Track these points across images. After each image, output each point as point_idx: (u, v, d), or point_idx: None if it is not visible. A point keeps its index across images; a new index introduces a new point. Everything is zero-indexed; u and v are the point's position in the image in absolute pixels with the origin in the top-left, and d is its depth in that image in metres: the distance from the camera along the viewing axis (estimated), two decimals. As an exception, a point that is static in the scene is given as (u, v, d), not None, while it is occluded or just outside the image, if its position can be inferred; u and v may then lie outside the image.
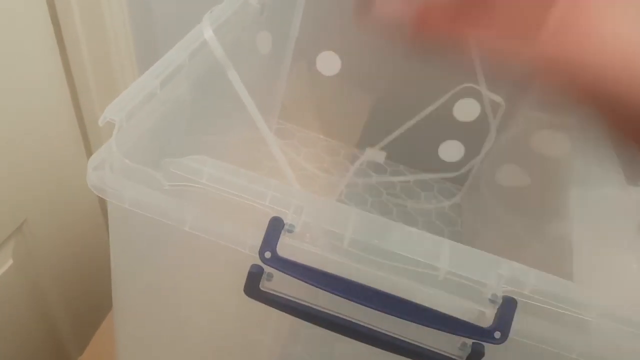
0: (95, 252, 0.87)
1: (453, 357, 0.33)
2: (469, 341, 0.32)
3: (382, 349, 0.33)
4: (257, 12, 0.59)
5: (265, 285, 0.34)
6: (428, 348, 0.33)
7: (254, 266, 0.33)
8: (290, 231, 0.31)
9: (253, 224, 0.33)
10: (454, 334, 0.30)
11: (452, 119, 0.85)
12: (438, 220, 0.86)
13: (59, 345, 0.84)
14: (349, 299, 0.30)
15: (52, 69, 0.65)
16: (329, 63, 0.86)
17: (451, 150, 0.89)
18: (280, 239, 0.31)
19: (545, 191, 0.74)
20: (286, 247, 0.31)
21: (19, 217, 0.69)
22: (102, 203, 0.84)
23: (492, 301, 0.31)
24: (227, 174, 0.31)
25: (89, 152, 0.78)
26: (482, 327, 0.31)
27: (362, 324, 0.33)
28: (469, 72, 0.80)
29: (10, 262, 0.70)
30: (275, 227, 0.31)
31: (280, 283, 0.34)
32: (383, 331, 0.33)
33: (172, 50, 0.41)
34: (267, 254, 0.31)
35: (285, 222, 0.31)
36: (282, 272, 0.31)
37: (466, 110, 0.84)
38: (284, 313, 0.39)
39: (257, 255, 0.33)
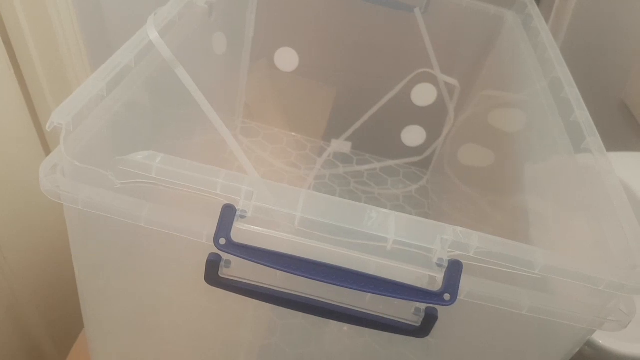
0: (69, 263, 0.87)
1: (409, 322, 0.34)
2: (423, 306, 0.34)
3: (342, 321, 0.35)
4: (206, 12, 0.60)
5: (224, 272, 0.35)
6: (385, 316, 0.34)
7: (212, 254, 0.34)
8: (243, 217, 0.32)
9: (207, 214, 0.34)
10: (405, 299, 0.32)
11: (411, 105, 0.87)
12: (405, 204, 0.88)
13: (43, 354, 0.84)
14: (303, 276, 0.32)
15: (2, 79, 0.65)
16: (287, 59, 0.87)
17: (413, 135, 0.91)
18: (234, 225, 0.32)
19: (505, 166, 0.76)
20: (241, 233, 0.32)
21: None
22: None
23: (439, 265, 0.33)
24: (176, 167, 0.32)
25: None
26: (431, 291, 0.32)
27: (319, 299, 0.34)
28: (424, 56, 0.82)
29: (-17, 281, 0.70)
30: (228, 214, 0.32)
31: (238, 269, 0.35)
32: (341, 304, 0.34)
33: (118, 52, 0.41)
34: (222, 241, 0.32)
35: (237, 208, 0.32)
36: (238, 256, 0.32)
37: (423, 95, 0.86)
38: (245, 301, 0.40)
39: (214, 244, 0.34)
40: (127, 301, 0.42)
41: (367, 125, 0.91)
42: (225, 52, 0.79)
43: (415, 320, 0.34)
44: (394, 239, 0.32)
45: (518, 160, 0.72)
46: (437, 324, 0.34)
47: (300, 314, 0.48)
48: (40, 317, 0.81)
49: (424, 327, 0.34)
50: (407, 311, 0.34)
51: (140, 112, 0.47)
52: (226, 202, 0.33)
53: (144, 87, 0.46)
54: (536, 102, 0.65)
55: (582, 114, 0.51)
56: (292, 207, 0.33)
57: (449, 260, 0.33)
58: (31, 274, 0.78)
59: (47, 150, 0.76)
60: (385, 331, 0.35)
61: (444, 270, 0.33)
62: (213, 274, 0.35)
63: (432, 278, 0.34)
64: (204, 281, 0.36)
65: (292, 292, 0.34)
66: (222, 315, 0.47)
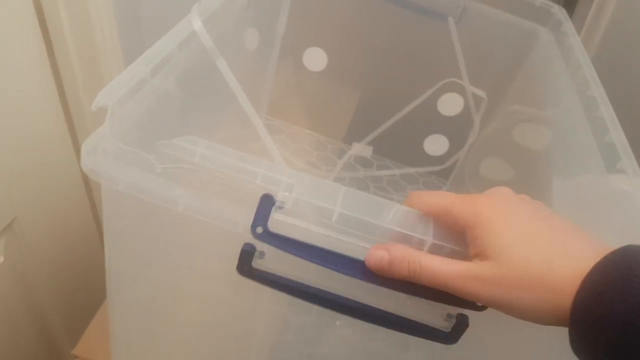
0: (85, 247, 0.87)
1: (439, 328, 0.34)
2: (454, 312, 0.34)
3: (372, 322, 0.34)
4: (244, 7, 0.60)
5: (257, 264, 0.35)
6: (416, 321, 0.34)
7: (246, 245, 0.34)
8: (281, 208, 0.32)
9: (245, 204, 0.34)
10: (438, 300, 0.32)
11: (437, 114, 0.87)
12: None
13: (51, 340, 0.84)
14: (337, 271, 0.32)
15: (37, 63, 0.65)
16: (315, 59, 0.87)
17: (436, 144, 0.90)
18: (271, 216, 0.32)
19: (527, 183, 0.75)
20: (277, 223, 0.32)
21: (8, 215, 0.69)
22: (91, 198, 0.84)
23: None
24: (219, 153, 0.32)
25: (77, 148, 0.79)
26: (465, 296, 0.32)
27: (351, 298, 0.34)
28: (453, 66, 0.82)
29: (1, 259, 0.70)
30: (267, 203, 0.32)
31: (271, 261, 0.35)
32: (373, 305, 0.34)
33: (162, 40, 0.42)
34: (259, 230, 0.32)
35: (276, 199, 0.33)
36: (274, 246, 0.32)
37: (450, 104, 0.86)
38: (275, 296, 0.40)
39: (250, 234, 0.34)
40: (153, 284, 0.43)
41: (389, 130, 0.91)
42: (256, 48, 0.79)
43: (446, 326, 0.34)
44: (431, 242, 0.32)
45: (541, 178, 0.71)
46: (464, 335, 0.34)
47: (314, 312, 0.48)
48: (53, 302, 0.82)
49: (454, 334, 0.34)
50: (438, 317, 0.34)
51: (175, 100, 0.47)
52: (265, 192, 0.33)
53: (181, 78, 0.47)
54: (566, 120, 0.65)
55: (618, 135, 0.51)
56: (331, 202, 0.33)
57: (484, 267, 0.32)
58: (48, 258, 0.79)
59: (73, 133, 0.77)
60: (414, 335, 0.34)
61: (479, 276, 0.32)
62: (246, 264, 0.35)
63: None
64: (234, 271, 0.36)
65: (323, 289, 0.34)
66: (240, 308, 0.47)
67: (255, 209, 0.33)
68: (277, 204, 0.33)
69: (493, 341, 0.37)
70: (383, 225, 0.32)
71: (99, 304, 0.78)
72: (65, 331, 0.85)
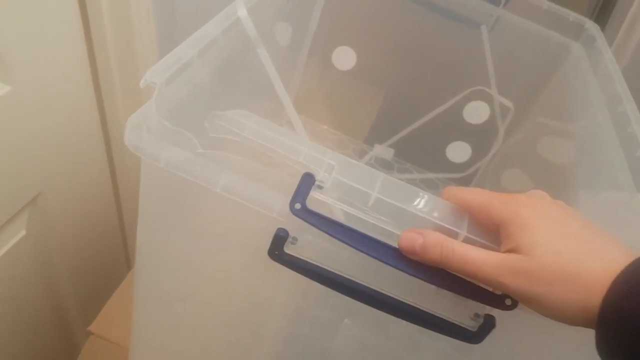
0: (104, 227, 0.88)
1: (465, 326, 0.34)
2: (482, 312, 0.34)
3: (398, 316, 0.35)
4: (284, 1, 0.61)
5: (289, 249, 0.35)
6: (443, 317, 0.34)
7: (280, 229, 0.35)
8: (320, 187, 0.33)
9: (282, 189, 0.35)
10: (467, 297, 0.32)
11: (462, 121, 0.87)
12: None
13: (65, 315, 0.85)
14: (369, 255, 0.32)
15: (73, 43, 0.66)
16: (344, 58, 0.87)
17: (459, 151, 0.90)
18: (310, 194, 0.33)
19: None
20: (315, 202, 0.33)
21: (33, 190, 0.70)
22: (114, 179, 0.85)
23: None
24: (267, 129, 0.33)
25: (105, 128, 0.79)
26: (493, 293, 0.32)
27: (380, 290, 0.35)
28: (482, 74, 0.82)
29: (24, 232, 0.71)
30: (307, 181, 0.33)
31: (303, 248, 0.36)
32: (401, 299, 0.34)
33: (208, 24, 0.42)
34: (297, 206, 0.33)
35: (316, 178, 0.33)
36: (309, 223, 0.32)
37: (476, 112, 0.86)
38: (293, 287, 0.41)
39: (284, 220, 0.35)
40: (181, 263, 0.43)
41: (412, 134, 0.92)
42: (288, 44, 0.80)
43: (472, 325, 0.34)
44: (465, 235, 0.32)
45: (562, 192, 0.71)
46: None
47: (330, 307, 0.48)
48: (70, 279, 0.83)
49: (479, 334, 0.34)
50: (465, 315, 0.34)
51: (214, 85, 0.48)
52: (306, 171, 0.34)
53: (224, 62, 0.47)
54: (595, 135, 0.65)
55: (650, 152, 0.51)
56: (369, 187, 0.33)
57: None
58: (68, 235, 0.80)
59: (102, 113, 0.78)
60: (439, 332, 0.35)
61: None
62: (278, 249, 0.35)
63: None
64: (265, 255, 0.36)
65: (352, 279, 0.35)
66: (260, 296, 0.48)
67: (290, 194, 0.34)
68: (316, 183, 0.33)
69: (515, 344, 0.38)
70: (418, 214, 0.33)
71: (115, 283, 0.79)
72: (80, 308, 0.86)
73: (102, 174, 0.83)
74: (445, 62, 0.85)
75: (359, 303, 0.35)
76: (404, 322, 0.36)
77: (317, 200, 0.33)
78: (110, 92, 0.75)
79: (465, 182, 0.93)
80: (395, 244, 0.33)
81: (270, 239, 0.35)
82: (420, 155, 0.93)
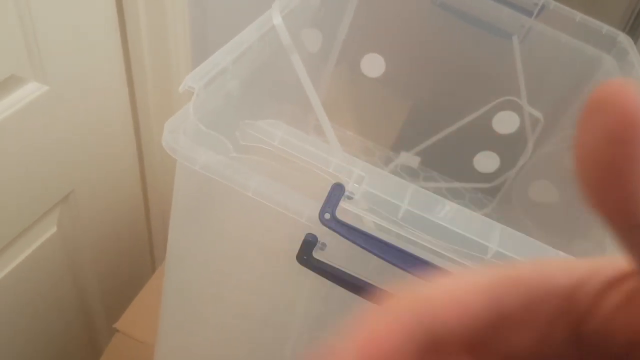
0: (133, 228, 0.90)
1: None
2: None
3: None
4: (317, 8, 0.61)
5: (317, 254, 0.36)
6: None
7: (309, 235, 0.35)
8: (350, 198, 0.33)
9: (312, 195, 0.35)
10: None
11: (490, 130, 0.87)
12: (468, 228, 0.87)
13: (90, 312, 0.87)
14: (398, 267, 0.32)
15: (109, 45, 0.68)
16: (373, 65, 0.88)
17: (486, 161, 0.90)
18: (339, 204, 0.33)
19: (575, 209, 0.74)
20: (344, 213, 0.33)
21: (66, 188, 0.72)
22: (144, 180, 0.87)
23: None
24: (297, 139, 0.33)
25: (137, 130, 0.81)
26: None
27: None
28: (512, 85, 0.82)
29: (54, 229, 0.72)
30: (336, 192, 0.33)
31: (332, 254, 0.36)
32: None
33: (244, 32, 0.43)
34: (327, 215, 0.33)
35: (346, 188, 0.33)
36: (339, 233, 0.33)
37: (505, 122, 0.86)
38: (315, 292, 0.41)
39: (313, 225, 0.35)
40: (210, 263, 0.44)
41: (440, 142, 0.91)
42: (317, 51, 0.81)
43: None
44: (495, 250, 0.32)
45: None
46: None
47: (352, 314, 0.48)
48: (97, 276, 0.85)
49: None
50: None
51: (243, 91, 0.49)
52: (336, 181, 0.34)
53: (255, 69, 0.48)
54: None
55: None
56: (399, 198, 0.33)
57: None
58: (98, 234, 0.81)
59: (135, 115, 0.79)
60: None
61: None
62: (307, 254, 0.36)
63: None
64: (293, 259, 0.37)
65: (380, 287, 0.35)
66: (285, 299, 0.48)
67: (321, 202, 0.34)
68: (346, 193, 0.34)
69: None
70: (447, 226, 0.33)
71: (140, 282, 0.80)
72: (105, 306, 0.88)
73: (133, 175, 0.85)
74: (475, 71, 0.85)
75: None
76: None
77: (347, 210, 0.34)
78: (143, 95, 0.76)
79: (492, 192, 0.92)
80: (424, 255, 0.33)
81: (299, 244, 0.36)
82: (447, 164, 0.93)
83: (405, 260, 0.32)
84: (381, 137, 0.96)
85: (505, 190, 0.91)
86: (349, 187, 0.34)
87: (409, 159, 0.95)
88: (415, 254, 0.32)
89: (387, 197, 0.33)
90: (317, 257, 0.36)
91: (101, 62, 0.68)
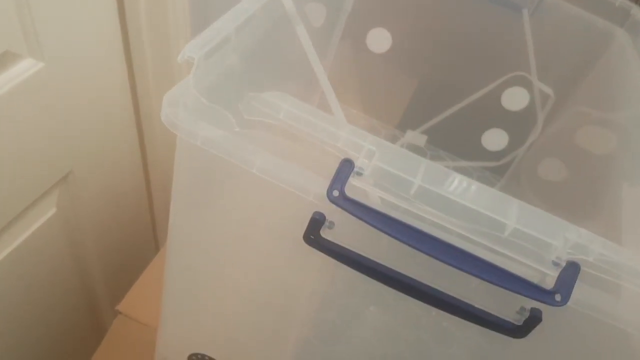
0: (134, 208, 0.88)
1: (510, 320, 0.33)
2: (528, 306, 0.32)
3: (440, 308, 0.33)
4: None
5: (325, 233, 0.34)
6: (486, 310, 0.33)
7: (316, 213, 0.34)
8: (359, 174, 0.32)
9: (319, 172, 0.34)
10: (515, 291, 0.30)
11: (499, 107, 0.85)
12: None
13: (92, 294, 0.86)
14: (412, 247, 0.30)
15: (106, 18, 0.66)
16: (379, 40, 0.85)
17: (495, 139, 0.88)
18: (349, 180, 0.31)
19: (585, 188, 0.73)
20: (353, 190, 0.32)
21: (65, 167, 0.70)
22: (144, 158, 0.85)
23: (556, 264, 0.31)
24: (304, 112, 0.32)
25: (136, 106, 0.79)
26: (543, 287, 0.30)
27: (420, 280, 0.33)
28: (522, 60, 0.80)
29: (54, 210, 0.71)
30: (345, 168, 0.31)
31: (340, 233, 0.35)
32: (441, 289, 0.33)
33: (245, 0, 0.41)
34: (335, 193, 0.31)
35: (355, 164, 0.32)
36: (348, 211, 0.31)
37: (515, 99, 0.83)
38: (322, 273, 0.39)
39: (321, 203, 0.33)
40: (213, 244, 0.42)
41: (447, 120, 0.89)
42: (321, 25, 0.78)
43: (517, 319, 0.33)
44: (513, 227, 0.31)
45: (599, 183, 0.69)
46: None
47: (358, 294, 0.47)
48: (98, 257, 0.83)
49: (525, 328, 0.32)
50: (510, 309, 0.33)
51: (245, 64, 0.47)
52: (345, 157, 0.33)
53: (258, 41, 0.46)
54: (639, 127, 0.62)
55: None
56: (412, 174, 0.31)
57: (567, 261, 0.31)
58: (98, 214, 0.80)
59: (134, 93, 0.77)
60: (480, 324, 0.33)
61: (559, 270, 0.31)
62: (314, 233, 0.34)
63: (543, 276, 0.32)
64: (299, 239, 0.35)
65: (393, 268, 0.33)
66: (290, 279, 0.47)
67: (329, 178, 0.32)
68: (355, 169, 0.32)
69: (558, 340, 0.36)
70: (464, 203, 0.31)
71: (143, 263, 0.79)
72: (107, 287, 0.87)
73: (133, 152, 0.83)
74: (484, 46, 0.83)
75: (387, 291, 0.34)
76: (433, 311, 0.34)
77: (356, 187, 0.32)
78: (142, 69, 0.74)
79: (500, 170, 0.90)
80: (438, 234, 0.31)
81: (306, 223, 0.34)
82: (454, 143, 0.91)
83: (419, 240, 0.30)
84: (387, 115, 0.94)
85: (514, 169, 0.89)
86: (359, 162, 0.32)
87: (416, 137, 0.93)
88: (429, 232, 0.31)
89: (399, 172, 0.31)
90: (325, 237, 0.34)
91: (98, 37, 0.65)
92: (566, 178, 0.80)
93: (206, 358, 0.50)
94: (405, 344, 0.48)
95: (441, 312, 0.34)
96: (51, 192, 0.70)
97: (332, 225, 0.34)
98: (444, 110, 0.88)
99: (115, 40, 0.69)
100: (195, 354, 0.50)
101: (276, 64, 0.57)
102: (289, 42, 0.52)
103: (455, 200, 0.31)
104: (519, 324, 0.32)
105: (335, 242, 0.34)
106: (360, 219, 0.31)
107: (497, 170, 0.91)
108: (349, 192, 0.32)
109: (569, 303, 0.31)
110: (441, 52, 0.85)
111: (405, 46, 0.86)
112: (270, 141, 0.35)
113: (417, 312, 0.43)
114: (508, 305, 0.33)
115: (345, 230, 0.34)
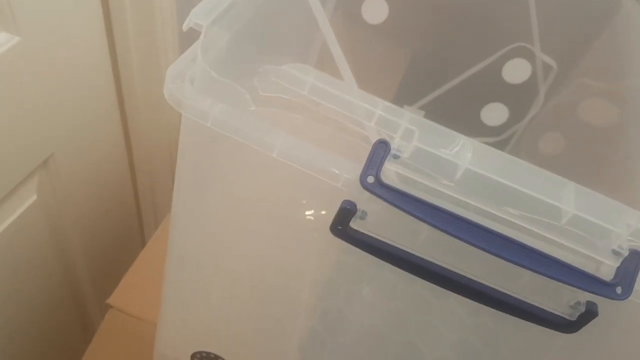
0: (118, 195, 0.84)
1: (563, 315, 0.30)
2: (583, 299, 0.29)
3: (485, 304, 0.30)
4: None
5: (357, 224, 0.30)
6: (537, 305, 0.29)
7: (346, 202, 0.30)
8: (396, 157, 0.28)
9: (348, 156, 0.30)
10: (575, 286, 0.27)
11: (500, 80, 0.81)
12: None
13: (77, 285, 0.81)
14: (464, 240, 0.27)
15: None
16: (375, 10, 0.81)
17: (495, 113, 0.85)
18: (384, 164, 0.28)
19: (587, 162, 0.71)
20: (390, 175, 0.28)
21: (44, 151, 0.65)
22: (128, 141, 0.80)
23: (617, 253, 0.28)
24: (333, 87, 0.27)
25: (119, 89, 0.74)
26: (604, 280, 0.27)
27: (464, 274, 0.30)
28: (524, 30, 0.76)
29: (35, 197, 0.67)
30: (380, 150, 0.28)
31: (372, 223, 0.31)
32: (487, 284, 0.30)
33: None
34: (370, 179, 0.27)
35: (392, 146, 0.28)
36: (385, 200, 0.27)
37: (516, 71, 0.80)
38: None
39: (351, 191, 0.30)
40: (218, 232, 0.38)
41: (445, 95, 0.86)
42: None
43: (571, 314, 0.29)
44: (573, 213, 0.27)
45: (598, 156, 0.67)
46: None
47: (366, 281, 0.44)
48: (82, 246, 0.79)
49: (578, 323, 0.29)
50: (562, 303, 0.30)
51: (252, 34, 0.42)
52: (379, 137, 0.29)
53: (259, 10, 0.41)
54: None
55: None
56: (456, 156, 0.28)
57: (629, 249, 0.28)
58: (81, 201, 0.75)
59: (117, 74, 0.72)
60: (529, 320, 0.30)
61: (620, 259, 0.28)
62: (344, 225, 0.30)
63: (597, 266, 0.29)
64: (325, 231, 0.31)
65: (435, 262, 0.30)
66: (298, 269, 0.43)
67: (362, 164, 0.29)
68: (392, 152, 0.28)
69: (620, 340, 0.33)
70: (517, 187, 0.27)
71: (129, 253, 0.75)
72: (92, 278, 0.83)
73: (116, 134, 0.78)
74: (484, 15, 0.79)
75: (397, 278, 0.30)
76: (450, 298, 0.31)
77: (393, 172, 0.28)
78: (124, 43, 0.69)
79: (500, 146, 0.87)
80: (487, 223, 0.28)
81: (332, 214, 0.30)
82: (453, 118, 0.87)
83: (471, 232, 0.27)
84: (382, 90, 0.90)
85: (514, 144, 0.86)
86: (395, 143, 0.28)
87: (413, 112, 0.89)
88: (483, 224, 0.27)
89: (442, 154, 0.28)
90: (356, 228, 0.30)
91: (77, 9, 0.60)
92: (567, 152, 0.78)
93: (211, 355, 0.46)
94: (416, 332, 0.45)
95: (482, 306, 0.31)
96: (31, 178, 0.66)
97: (364, 215, 0.30)
98: (442, 84, 0.85)
99: (96, 15, 0.64)
100: (200, 352, 0.46)
101: (275, 37, 0.53)
102: (287, 11, 0.48)
103: (507, 183, 0.27)
104: (573, 319, 0.29)
105: (369, 234, 0.30)
106: (401, 209, 0.27)
107: (497, 145, 0.87)
108: (384, 178, 0.28)
109: (631, 298, 0.28)
110: (440, 22, 0.81)
111: (402, 16, 0.81)
112: (289, 120, 0.30)
113: (429, 299, 0.40)
114: (558, 299, 0.30)
115: (378, 220, 0.30)
